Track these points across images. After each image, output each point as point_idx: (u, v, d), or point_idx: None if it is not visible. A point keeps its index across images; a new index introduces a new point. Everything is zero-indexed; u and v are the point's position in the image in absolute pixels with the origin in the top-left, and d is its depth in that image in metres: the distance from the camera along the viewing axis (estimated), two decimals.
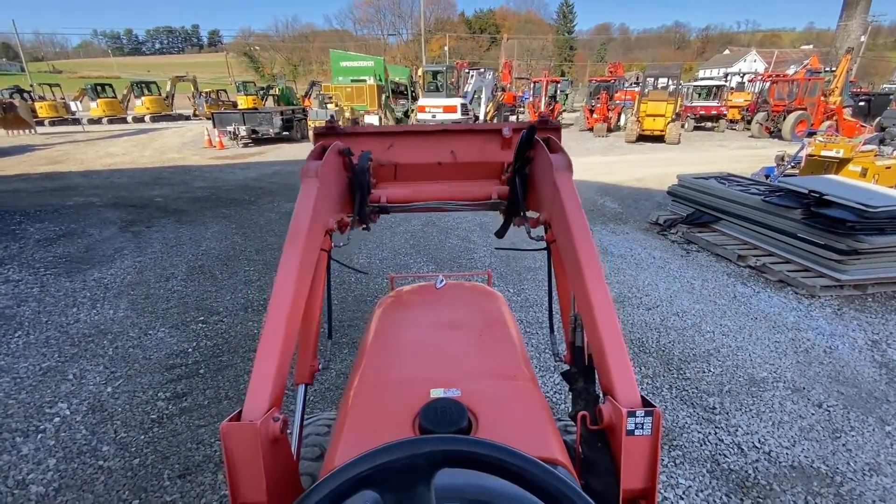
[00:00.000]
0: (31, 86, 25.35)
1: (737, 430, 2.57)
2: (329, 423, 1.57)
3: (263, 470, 0.87)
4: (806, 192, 4.57)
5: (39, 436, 2.51)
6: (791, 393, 2.89)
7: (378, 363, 1.15)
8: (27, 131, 17.97)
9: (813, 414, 2.70)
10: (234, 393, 2.87)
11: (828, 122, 15.91)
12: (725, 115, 19.64)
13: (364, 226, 1.92)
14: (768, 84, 18.64)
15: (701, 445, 2.46)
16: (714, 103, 19.60)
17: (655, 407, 0.91)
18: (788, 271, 4.48)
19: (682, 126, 16.99)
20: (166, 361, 3.21)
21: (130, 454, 2.38)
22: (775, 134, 16.84)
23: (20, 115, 17.60)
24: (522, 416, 0.94)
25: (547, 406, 1.00)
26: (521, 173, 1.66)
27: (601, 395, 1.04)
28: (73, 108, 25.07)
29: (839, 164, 6.70)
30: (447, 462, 0.49)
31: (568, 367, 1.35)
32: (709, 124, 20.08)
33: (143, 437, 2.51)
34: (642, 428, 0.91)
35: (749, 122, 18.36)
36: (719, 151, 13.90)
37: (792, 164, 7.73)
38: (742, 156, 12.60)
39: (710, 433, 2.55)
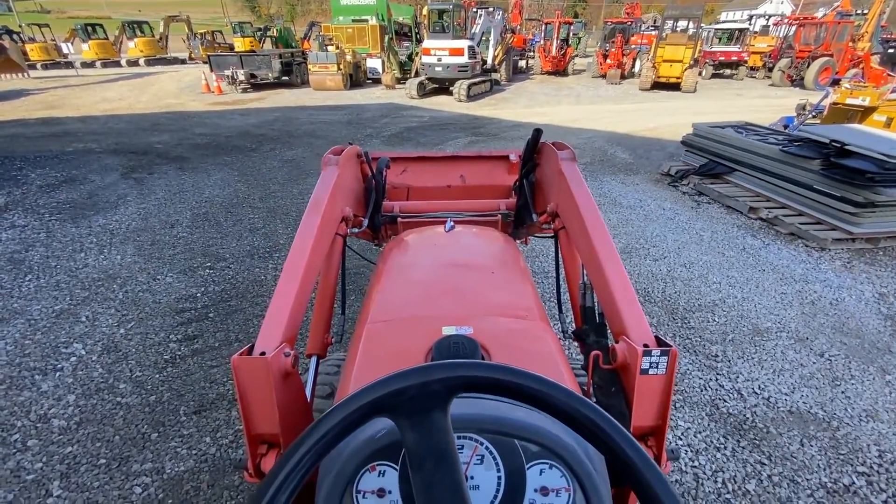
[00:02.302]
0: (20, 26, 24.25)
1: (738, 377, 2.61)
2: (339, 364, 1.59)
3: (276, 403, 0.87)
4: (827, 141, 4.39)
5: (57, 374, 2.59)
6: (794, 342, 2.91)
7: (388, 302, 1.13)
8: (20, 75, 17.38)
9: (814, 363, 2.73)
10: (244, 336, 2.93)
11: (853, 70, 15.11)
12: (746, 62, 18.65)
13: (375, 241, 2.00)
14: (794, 27, 17.55)
15: (701, 391, 2.51)
16: (735, 48, 18.56)
17: (672, 346, 0.89)
18: (800, 224, 4.40)
19: (700, 73, 16.19)
20: (176, 305, 3.26)
21: (147, 391, 2.47)
22: (797, 82, 16.09)
23: (11, 57, 16.94)
24: (535, 354, 0.93)
25: (560, 345, 0.99)
26: (528, 180, 1.81)
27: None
28: (65, 50, 24.09)
29: (864, 113, 6.41)
30: (464, 387, 0.46)
31: (578, 329, 1.36)
32: (728, 71, 19.14)
33: (157, 376, 2.58)
34: (657, 367, 0.90)
35: (770, 70, 17.48)
36: (737, 101, 13.33)
37: (813, 113, 7.41)
38: (761, 105, 12.09)
39: (710, 379, 2.60)
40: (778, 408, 2.40)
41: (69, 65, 22.04)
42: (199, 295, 3.39)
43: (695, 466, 2.07)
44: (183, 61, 26.18)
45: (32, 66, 19.91)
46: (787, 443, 2.19)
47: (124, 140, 8.13)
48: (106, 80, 17.87)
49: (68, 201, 5.18)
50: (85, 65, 22.62)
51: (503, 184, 2.23)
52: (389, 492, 0.63)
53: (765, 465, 2.08)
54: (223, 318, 3.12)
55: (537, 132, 1.73)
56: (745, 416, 2.35)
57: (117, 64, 23.65)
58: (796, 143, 4.80)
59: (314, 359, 1.40)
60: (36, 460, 2.06)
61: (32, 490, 1.92)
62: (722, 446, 2.17)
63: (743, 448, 2.16)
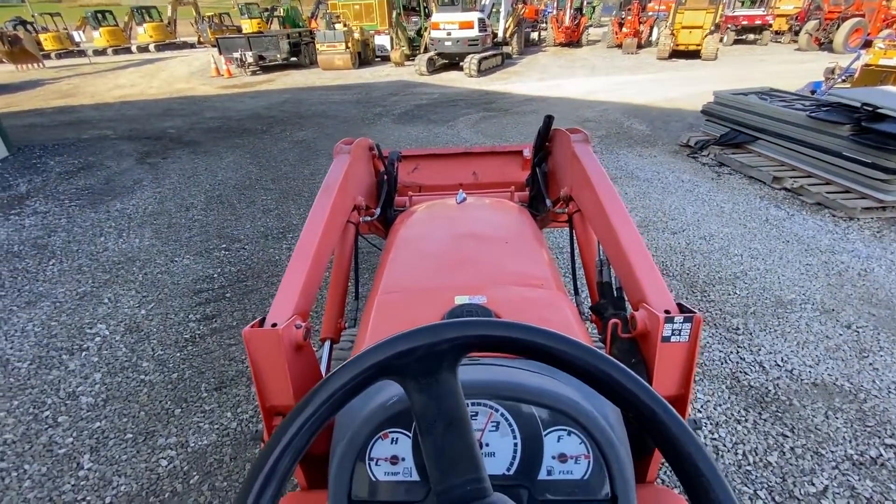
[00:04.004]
0: (33, 16, 24.39)
1: (759, 350, 2.55)
2: (351, 339, 1.59)
3: (289, 374, 0.86)
4: (858, 105, 4.17)
5: (83, 353, 2.67)
6: (819, 314, 2.82)
7: (399, 274, 1.11)
8: (35, 65, 17.59)
9: (840, 335, 2.65)
10: (260, 315, 2.96)
11: (887, 31, 14.29)
12: (771, 26, 17.77)
13: (387, 237, 2.00)
14: None
15: (722, 364, 2.47)
16: (759, 11, 17.66)
17: (696, 312, 0.85)
18: (827, 193, 4.23)
19: (721, 39, 15.49)
20: (194, 286, 3.31)
21: (169, 369, 2.52)
22: (825, 46, 15.29)
23: (27, 48, 17.13)
24: (552, 322, 0.90)
25: (577, 314, 0.96)
26: (541, 168, 1.78)
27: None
28: (77, 38, 24.21)
29: None
30: (472, 346, 0.44)
31: (595, 304, 1.33)
32: (751, 36, 18.27)
33: (178, 354, 2.64)
34: (679, 334, 0.86)
35: (797, 33, 16.64)
36: (760, 67, 12.77)
37: (843, 77, 7.05)
38: (785, 72, 11.55)
39: (731, 352, 2.54)
40: (802, 380, 2.34)
41: (81, 53, 22.17)
42: (215, 276, 3.44)
43: (714, 439, 2.04)
44: (192, 45, 26.09)
45: (46, 56, 20.09)
46: (811, 415, 2.14)
47: (138, 126, 8.19)
48: (117, 67, 17.96)
49: (87, 187, 5.27)
50: (97, 52, 22.72)
51: (516, 180, 2.21)
52: (403, 459, 0.62)
53: (787, 437, 2.04)
54: (240, 297, 3.16)
55: (549, 118, 1.70)
56: (766, 388, 2.30)
57: (128, 50, 23.69)
58: (825, 108, 4.58)
59: (328, 343, 1.40)
60: (66, 435, 2.13)
61: (64, 463, 2.00)
62: (742, 419, 2.13)
63: (765, 420, 2.12)
